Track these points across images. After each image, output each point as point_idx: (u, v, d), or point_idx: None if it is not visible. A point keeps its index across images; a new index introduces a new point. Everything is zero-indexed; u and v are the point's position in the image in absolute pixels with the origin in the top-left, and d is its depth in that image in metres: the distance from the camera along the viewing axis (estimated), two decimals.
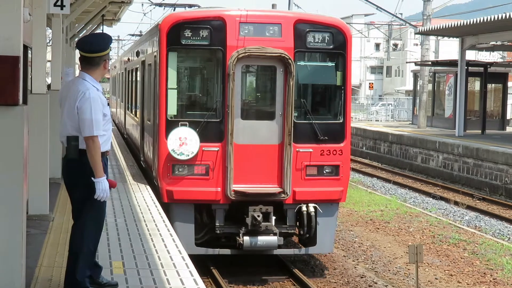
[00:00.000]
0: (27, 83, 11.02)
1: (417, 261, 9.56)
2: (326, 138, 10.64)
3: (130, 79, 18.76)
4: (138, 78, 15.43)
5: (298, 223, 10.81)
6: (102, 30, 22.26)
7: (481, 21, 21.05)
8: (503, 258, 12.35)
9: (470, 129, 28.11)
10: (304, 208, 10.55)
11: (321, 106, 11.33)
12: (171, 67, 10.52)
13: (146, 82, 13.36)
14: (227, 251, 10.57)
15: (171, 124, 10.39)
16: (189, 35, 10.40)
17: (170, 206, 10.47)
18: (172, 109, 10.56)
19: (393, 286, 10.76)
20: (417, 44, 55.29)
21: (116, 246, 7.67)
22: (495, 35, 24.20)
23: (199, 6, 22.68)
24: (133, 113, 17.13)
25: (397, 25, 52.47)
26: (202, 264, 10.25)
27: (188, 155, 10.25)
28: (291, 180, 10.39)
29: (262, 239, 10.27)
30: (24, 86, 10.04)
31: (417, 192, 20.34)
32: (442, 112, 32.20)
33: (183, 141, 10.24)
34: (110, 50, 5.76)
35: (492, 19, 20.52)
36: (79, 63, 5.75)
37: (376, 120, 41.04)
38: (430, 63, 31.78)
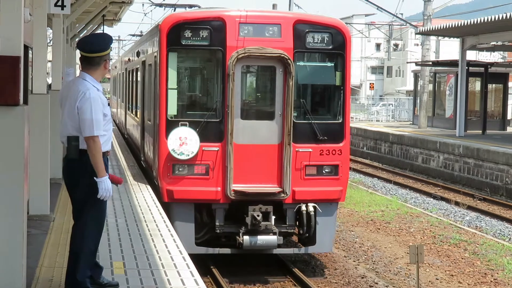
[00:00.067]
0: (27, 83, 11.03)
1: (417, 262, 9.55)
2: (325, 138, 10.68)
3: (130, 79, 18.77)
4: (139, 78, 15.45)
5: (297, 222, 10.85)
6: (103, 30, 22.26)
7: (482, 21, 21.05)
8: (504, 258, 12.35)
9: (470, 129, 28.10)
10: (303, 207, 10.59)
11: (321, 106, 11.38)
12: (171, 67, 10.57)
13: (146, 82, 13.39)
14: (227, 251, 10.60)
15: (171, 124, 10.43)
16: (189, 36, 10.44)
17: (170, 205, 10.50)
18: (172, 109, 10.61)
19: (394, 286, 10.76)
20: (417, 44, 55.31)
21: (117, 246, 7.67)
22: (496, 35, 24.20)
23: (199, 7, 22.68)
24: (134, 113, 17.15)
25: (397, 25, 52.48)
26: (202, 263, 10.26)
27: (188, 155, 10.29)
28: (291, 180, 10.43)
29: (262, 239, 10.30)
30: (25, 86, 10.05)
31: (417, 193, 20.33)
32: (443, 112, 32.19)
33: (183, 141, 10.27)
34: (111, 50, 5.76)
35: (493, 19, 20.51)
36: (79, 63, 5.74)
37: (376, 120, 41.04)
38: (430, 63, 31.77)
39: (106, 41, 5.67)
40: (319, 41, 10.71)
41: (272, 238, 10.35)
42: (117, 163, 15.32)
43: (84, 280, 5.54)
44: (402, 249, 12.99)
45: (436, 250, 12.94)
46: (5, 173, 5.08)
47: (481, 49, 31.63)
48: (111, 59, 5.80)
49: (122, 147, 19.30)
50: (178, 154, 10.29)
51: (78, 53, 7.46)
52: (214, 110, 10.57)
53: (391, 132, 28.39)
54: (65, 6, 10.34)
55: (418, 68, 34.24)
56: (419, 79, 33.07)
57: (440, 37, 42.71)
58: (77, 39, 21.50)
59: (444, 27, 24.39)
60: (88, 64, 5.59)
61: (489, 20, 20.69)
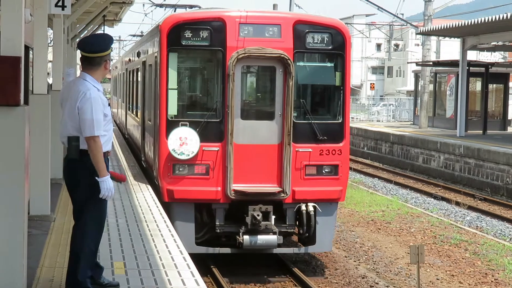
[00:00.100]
0: (28, 84, 11.02)
1: (418, 262, 9.55)
2: (325, 138, 10.71)
3: (131, 80, 18.78)
4: (139, 79, 15.47)
5: (297, 222, 10.87)
6: (103, 31, 22.27)
7: (482, 21, 21.04)
8: (505, 258, 12.34)
9: (471, 130, 28.10)
10: (303, 207, 10.62)
11: (320, 106, 11.42)
12: (172, 68, 10.60)
13: (147, 83, 13.41)
14: (227, 250, 10.63)
15: (171, 124, 10.46)
16: (189, 36, 10.48)
17: (170, 205, 10.53)
18: (173, 109, 10.65)
19: (394, 286, 10.76)
20: (418, 45, 55.26)
21: (117, 246, 7.67)
22: (496, 35, 24.19)
23: (200, 7, 22.69)
24: (134, 113, 17.17)
25: (398, 25, 52.46)
26: (202, 263, 10.28)
27: (189, 155, 10.32)
28: (291, 180, 10.46)
29: (262, 238, 10.33)
30: (25, 86, 10.04)
31: (418, 193, 20.33)
32: (444, 112, 32.19)
33: (184, 141, 10.30)
34: (111, 50, 5.77)
35: (493, 19, 20.51)
36: (80, 63, 5.75)
37: (377, 121, 41.05)
38: (431, 63, 31.77)
39: (106, 41, 5.67)
40: (319, 42, 10.74)
41: (272, 238, 10.37)
42: (118, 163, 15.33)
43: (84, 280, 5.54)
44: (403, 249, 12.99)
45: (437, 250, 12.94)
46: (6, 173, 5.08)
47: (482, 49, 31.61)
48: (111, 60, 5.83)
49: (123, 147, 19.31)
50: (178, 154, 10.32)
51: (78, 54, 7.48)
52: (214, 110, 10.60)
53: (392, 132, 28.39)
54: (65, 6, 10.35)
55: (419, 68, 34.23)
56: (420, 79, 33.06)
57: (440, 37, 42.69)
58: (77, 40, 21.51)
59: (445, 27, 24.38)
60: (89, 64, 5.59)
61: (489, 20, 20.68)
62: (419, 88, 32.99)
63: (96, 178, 5.38)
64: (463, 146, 22.37)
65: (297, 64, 10.68)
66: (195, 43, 10.53)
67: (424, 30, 27.80)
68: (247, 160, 10.50)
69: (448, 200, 18.79)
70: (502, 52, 48.96)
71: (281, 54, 10.39)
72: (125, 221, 9.14)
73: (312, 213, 10.63)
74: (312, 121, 10.74)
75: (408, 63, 59.67)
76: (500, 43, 26.67)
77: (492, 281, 11.14)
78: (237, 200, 10.39)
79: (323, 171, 10.76)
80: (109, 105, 5.67)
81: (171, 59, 10.58)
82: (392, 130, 29.69)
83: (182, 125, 10.43)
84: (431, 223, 15.30)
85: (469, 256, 12.56)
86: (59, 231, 8.34)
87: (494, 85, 30.98)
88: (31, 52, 11.16)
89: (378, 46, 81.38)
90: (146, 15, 37.61)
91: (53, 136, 9.72)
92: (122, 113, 23.26)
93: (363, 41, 79.77)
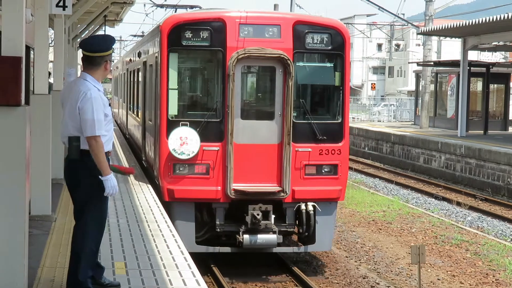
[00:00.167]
0: (29, 84, 11.03)
1: (419, 262, 9.55)
2: (324, 137, 10.76)
3: (132, 80, 18.80)
4: (140, 79, 15.50)
5: (297, 221, 10.91)
6: (104, 31, 22.29)
7: (483, 21, 21.03)
8: (506, 258, 12.34)
9: (472, 130, 28.09)
10: (303, 206, 10.66)
11: (320, 106, 11.47)
12: (172, 68, 10.65)
13: (147, 83, 13.44)
14: (227, 249, 10.68)
15: (172, 124, 10.50)
16: (190, 36, 10.53)
17: (171, 204, 10.57)
18: (173, 109, 10.70)
19: (395, 286, 10.76)
20: (419, 45, 55.27)
21: (118, 246, 7.67)
22: (497, 35, 24.18)
23: (200, 7, 22.70)
24: (135, 113, 17.20)
25: (399, 25, 52.44)
26: (202, 262, 10.30)
27: (189, 155, 10.37)
28: (290, 179, 10.50)
29: (262, 237, 10.37)
30: (26, 86, 10.04)
31: (419, 193, 20.32)
32: (444, 112, 32.18)
33: (184, 141, 10.35)
34: (113, 51, 5.77)
35: (494, 19, 20.50)
36: (81, 63, 5.76)
37: (378, 121, 41.05)
38: (432, 63, 31.76)
39: (107, 42, 5.69)
40: (318, 42, 10.79)
41: (272, 237, 10.41)
42: (119, 163, 15.33)
43: (85, 281, 5.54)
44: (404, 249, 12.99)
45: (438, 251, 12.94)
46: (7, 173, 5.08)
47: (483, 49, 31.61)
48: (113, 61, 5.84)
49: (124, 147, 19.32)
50: (178, 154, 10.36)
51: (79, 54, 7.49)
52: (215, 110, 10.64)
53: (393, 133, 28.38)
54: (66, 6, 10.35)
55: (420, 68, 34.22)
56: (421, 79, 33.06)
57: (441, 37, 42.69)
58: (79, 40, 21.52)
59: (446, 27, 24.37)
60: (89, 64, 5.60)
61: (490, 20, 20.67)
62: (420, 88, 32.98)
63: (100, 177, 5.39)
64: (464, 146, 22.36)
65: (297, 64, 10.72)
66: (195, 43, 10.57)
67: (425, 30, 27.79)
68: (247, 160, 10.54)
69: (449, 200, 18.78)
70: (503, 52, 48.96)
71: (281, 54, 10.43)
72: (126, 221, 9.14)
73: (311, 212, 10.67)
74: (312, 121, 10.78)
75: (409, 63, 59.68)
76: (501, 43, 26.66)
77: (493, 282, 11.14)
78: (237, 200, 10.43)
79: (323, 171, 10.80)
80: (109, 105, 5.68)
81: (172, 59, 10.62)
82: (393, 130, 29.69)
83: (183, 125, 10.47)
84: (432, 223, 15.29)
85: (470, 257, 12.56)
86: (60, 231, 8.34)
87: (495, 85, 30.97)
88: (32, 52, 11.17)
89: (379, 46, 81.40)
90: (147, 15, 37.68)
91: (54, 136, 9.72)
92: (123, 113, 23.27)
93: (364, 41, 79.78)
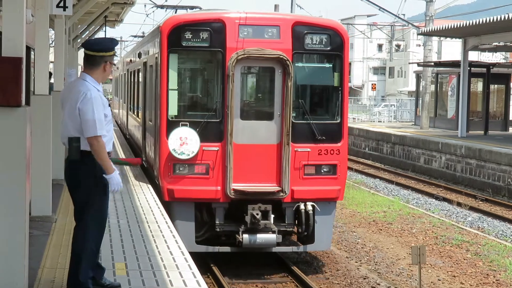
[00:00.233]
0: (29, 84, 11.04)
1: (420, 262, 9.54)
2: (323, 138, 10.81)
3: (132, 80, 18.82)
4: (140, 79, 15.52)
5: (296, 221, 10.95)
6: (105, 31, 22.31)
7: (484, 21, 21.03)
8: (506, 259, 12.33)
9: (472, 130, 28.08)
10: (302, 206, 10.70)
11: (319, 106, 11.52)
12: (172, 69, 10.69)
13: (147, 83, 13.47)
14: (226, 249, 10.72)
15: (172, 124, 10.55)
16: (190, 37, 10.57)
17: (171, 204, 10.61)
18: (173, 110, 10.76)
19: (396, 287, 10.75)
20: (419, 45, 55.25)
21: (118, 247, 7.67)
22: (498, 35, 24.17)
23: (200, 8, 22.70)
24: (135, 113, 17.23)
25: (399, 26, 52.46)
26: (202, 261, 10.33)
27: (189, 155, 10.41)
28: (290, 179, 10.54)
29: (261, 237, 10.40)
30: (27, 87, 10.05)
31: (420, 193, 20.32)
32: (445, 113, 32.18)
33: (184, 141, 10.39)
34: (114, 54, 5.77)
35: (495, 20, 20.49)
36: (82, 64, 5.76)
37: (378, 121, 41.04)
38: (432, 64, 31.76)
39: (108, 42, 5.71)
40: (317, 43, 10.84)
41: (271, 237, 10.45)
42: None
43: (86, 281, 5.54)
44: (404, 250, 12.99)
45: (438, 251, 12.94)
46: (7, 173, 5.08)
47: (483, 50, 31.61)
48: (114, 65, 5.83)
49: (124, 148, 19.33)
50: (178, 154, 10.40)
51: (80, 55, 7.49)
52: (214, 110, 10.69)
53: (393, 133, 28.38)
54: (67, 7, 10.35)
55: (420, 68, 34.22)
56: (421, 80, 33.05)
57: (442, 38, 42.70)
58: (79, 40, 21.53)
59: (446, 27, 24.37)
60: (89, 63, 5.61)
61: (491, 20, 20.67)
62: (421, 89, 32.97)
63: (104, 175, 5.42)
64: (464, 146, 22.35)
65: (296, 65, 10.77)
66: (195, 44, 10.61)
67: (425, 31, 27.79)
68: (247, 160, 10.59)
69: (449, 201, 18.77)
70: (503, 53, 48.94)
71: (280, 55, 10.47)
72: (126, 222, 9.15)
73: (310, 212, 10.70)
74: (311, 121, 10.83)
75: (409, 63, 59.67)
76: (501, 43, 26.67)
77: (493, 282, 11.13)
78: (236, 199, 10.47)
79: (322, 171, 10.85)
80: (109, 105, 5.68)
81: (172, 60, 10.66)
82: (393, 130, 29.68)
83: (183, 125, 10.51)
84: (432, 223, 15.29)
85: (470, 257, 12.55)
86: (61, 232, 8.34)
87: (496, 85, 30.96)
88: (32, 52, 11.17)
89: (380, 46, 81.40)
90: (147, 16, 37.72)
91: (55, 137, 9.72)
92: (123, 113, 23.29)
93: (365, 41, 79.81)
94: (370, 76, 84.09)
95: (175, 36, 10.56)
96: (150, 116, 12.66)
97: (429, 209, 17.63)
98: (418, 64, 33.89)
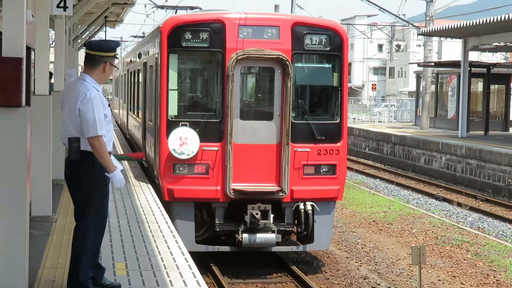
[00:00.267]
0: (30, 85, 11.04)
1: (420, 263, 9.54)
2: (323, 138, 10.84)
3: (132, 81, 18.84)
4: (140, 80, 15.54)
5: (296, 221, 10.97)
6: (105, 32, 22.31)
7: (484, 22, 21.03)
8: (506, 259, 12.34)
9: (473, 130, 28.08)
10: (301, 206, 10.73)
11: (318, 106, 11.56)
12: (172, 69, 10.72)
13: (147, 84, 13.49)
14: (226, 248, 10.75)
15: (172, 124, 10.58)
16: (190, 38, 10.60)
17: (171, 204, 10.64)
18: (173, 110, 10.79)
19: (396, 287, 10.75)
20: (420, 45, 55.26)
21: (119, 247, 7.67)
22: (498, 36, 24.18)
23: (200, 9, 22.69)
24: (135, 113, 17.25)
25: (400, 26, 52.44)
26: (202, 261, 10.34)
27: (189, 155, 10.44)
28: (289, 179, 10.57)
29: (261, 237, 10.43)
30: (27, 87, 10.05)
31: (420, 193, 20.32)
32: (445, 113, 32.17)
33: (184, 141, 10.42)
34: (115, 55, 5.77)
35: (495, 20, 20.50)
36: (82, 64, 5.77)
37: (379, 121, 41.05)
38: (433, 64, 31.76)
39: (109, 43, 5.73)
40: (317, 43, 10.86)
41: (270, 236, 10.47)
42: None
43: (86, 281, 5.54)
44: (405, 250, 12.99)
45: (439, 251, 12.94)
46: (7, 173, 5.08)
47: (484, 50, 31.61)
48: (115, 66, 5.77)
49: (124, 148, 19.33)
50: (178, 154, 10.43)
51: (80, 55, 7.49)
52: (214, 110, 10.72)
53: (393, 133, 28.38)
54: (67, 7, 10.36)
55: (420, 69, 34.22)
56: (421, 80, 33.05)
57: (442, 38, 42.69)
58: (79, 40, 21.55)
59: (447, 28, 24.37)
60: (89, 63, 5.62)
61: (491, 21, 20.67)
62: (421, 89, 32.96)
63: (106, 174, 5.44)
64: (464, 147, 22.35)
65: (295, 65, 10.80)
66: (195, 44, 10.64)
67: (425, 31, 27.80)
68: (246, 160, 10.61)
69: (449, 201, 18.77)
70: (504, 53, 48.95)
71: (280, 55, 10.49)
72: (126, 222, 9.15)
73: (310, 212, 10.73)
74: (310, 121, 10.86)
75: (409, 63, 59.66)
76: (502, 43, 26.66)
77: (494, 282, 11.13)
78: (236, 199, 10.50)
79: (321, 171, 10.88)
80: (109, 105, 5.69)
81: (172, 60, 10.69)
82: (393, 131, 29.68)
83: (182, 125, 10.54)
84: (432, 224, 15.29)
85: (470, 257, 12.55)
86: (61, 232, 8.35)
87: (496, 85, 30.97)
88: (32, 53, 11.18)
89: (380, 47, 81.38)
90: (147, 16, 37.71)
91: (55, 137, 9.72)
92: (123, 113, 23.31)
93: (365, 42, 79.80)
94: (370, 76, 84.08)
95: (175, 37, 10.59)
96: (150, 116, 12.68)
97: (429, 209, 17.63)
98: (418, 64, 33.89)
